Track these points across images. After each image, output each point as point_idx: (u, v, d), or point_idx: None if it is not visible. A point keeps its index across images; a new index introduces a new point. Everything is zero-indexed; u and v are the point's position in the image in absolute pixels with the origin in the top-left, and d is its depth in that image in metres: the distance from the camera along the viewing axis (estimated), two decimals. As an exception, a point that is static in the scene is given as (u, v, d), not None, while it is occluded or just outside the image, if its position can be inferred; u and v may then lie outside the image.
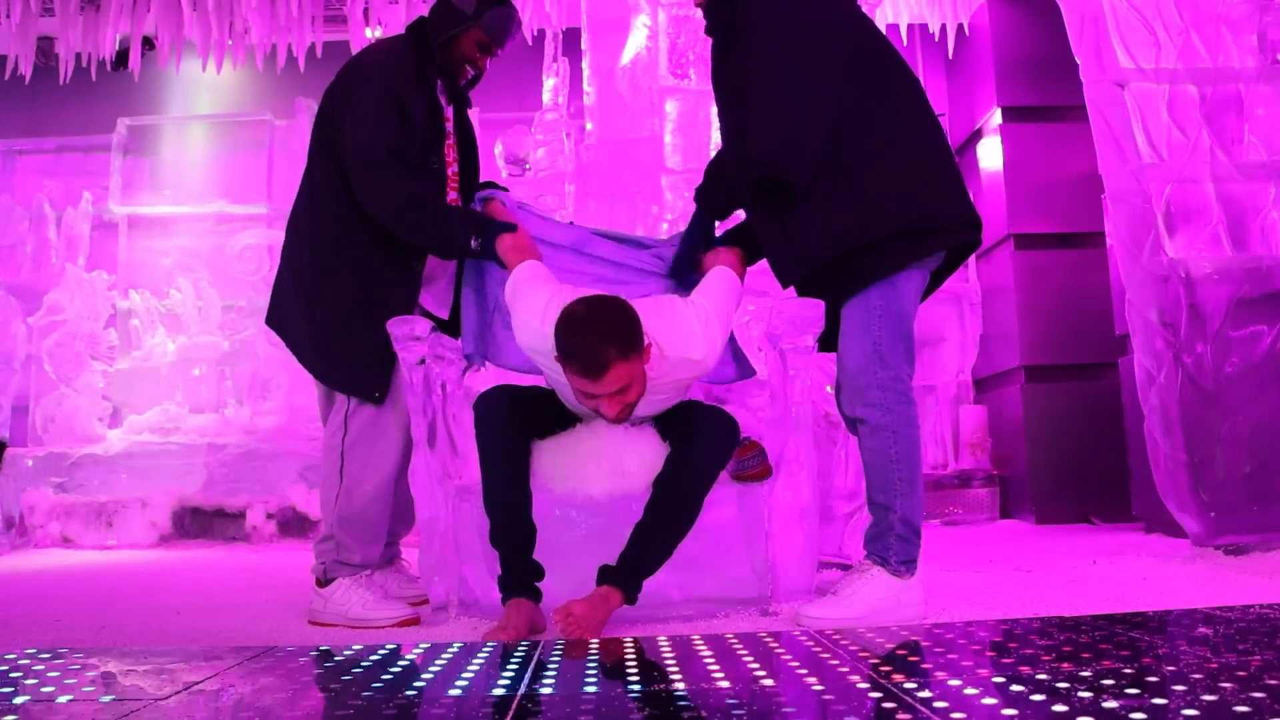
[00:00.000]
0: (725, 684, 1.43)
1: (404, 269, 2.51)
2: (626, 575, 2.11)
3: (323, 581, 2.44)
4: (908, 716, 1.20)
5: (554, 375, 2.25)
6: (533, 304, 2.25)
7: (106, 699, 1.44)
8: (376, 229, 2.46)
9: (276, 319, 2.63)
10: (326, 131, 2.53)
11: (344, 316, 2.48)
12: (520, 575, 2.16)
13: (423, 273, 2.55)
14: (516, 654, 1.74)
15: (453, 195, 2.64)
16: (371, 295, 2.47)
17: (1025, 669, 1.46)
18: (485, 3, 2.51)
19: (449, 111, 2.64)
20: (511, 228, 2.46)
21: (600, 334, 2.05)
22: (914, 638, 1.79)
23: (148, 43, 6.52)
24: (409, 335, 2.39)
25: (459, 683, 1.51)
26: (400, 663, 1.68)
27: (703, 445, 2.21)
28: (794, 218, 2.18)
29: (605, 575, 2.11)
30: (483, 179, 2.78)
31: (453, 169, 2.66)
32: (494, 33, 2.54)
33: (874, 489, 2.22)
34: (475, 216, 2.51)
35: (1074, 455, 5.03)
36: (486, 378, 2.96)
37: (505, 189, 2.70)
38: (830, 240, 2.16)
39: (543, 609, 2.17)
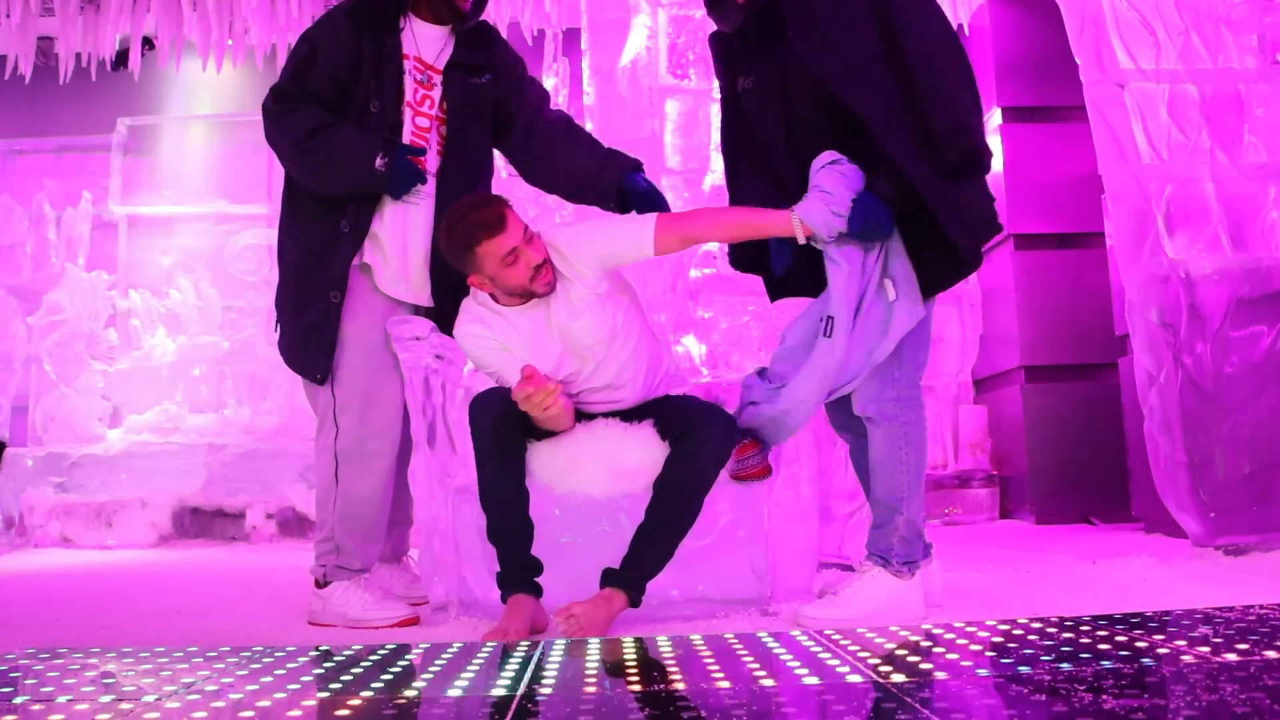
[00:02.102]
0: (725, 684, 1.43)
1: (334, 233, 2.39)
2: (629, 577, 2.11)
3: (321, 583, 2.44)
4: (907, 716, 1.20)
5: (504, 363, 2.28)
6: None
7: (106, 699, 1.44)
8: (313, 199, 2.41)
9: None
10: None
11: (291, 294, 2.45)
12: (519, 571, 2.16)
13: (362, 231, 2.39)
14: (516, 654, 1.74)
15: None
16: (311, 269, 2.42)
17: (1025, 669, 1.46)
18: None
19: (428, 57, 2.45)
20: (421, 151, 2.37)
21: (477, 201, 2.23)
22: (914, 638, 1.79)
23: (148, 43, 6.52)
24: (409, 335, 2.39)
25: (459, 683, 1.51)
26: (400, 663, 1.68)
27: (700, 443, 2.20)
28: (959, 196, 2.12)
29: (608, 578, 2.12)
30: (481, 178, 2.58)
31: (426, 134, 2.44)
32: None
33: (880, 489, 2.21)
34: (386, 138, 2.37)
35: (1074, 455, 5.03)
36: (486, 379, 2.95)
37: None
38: (974, 227, 2.14)
39: (543, 607, 2.17)
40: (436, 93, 2.47)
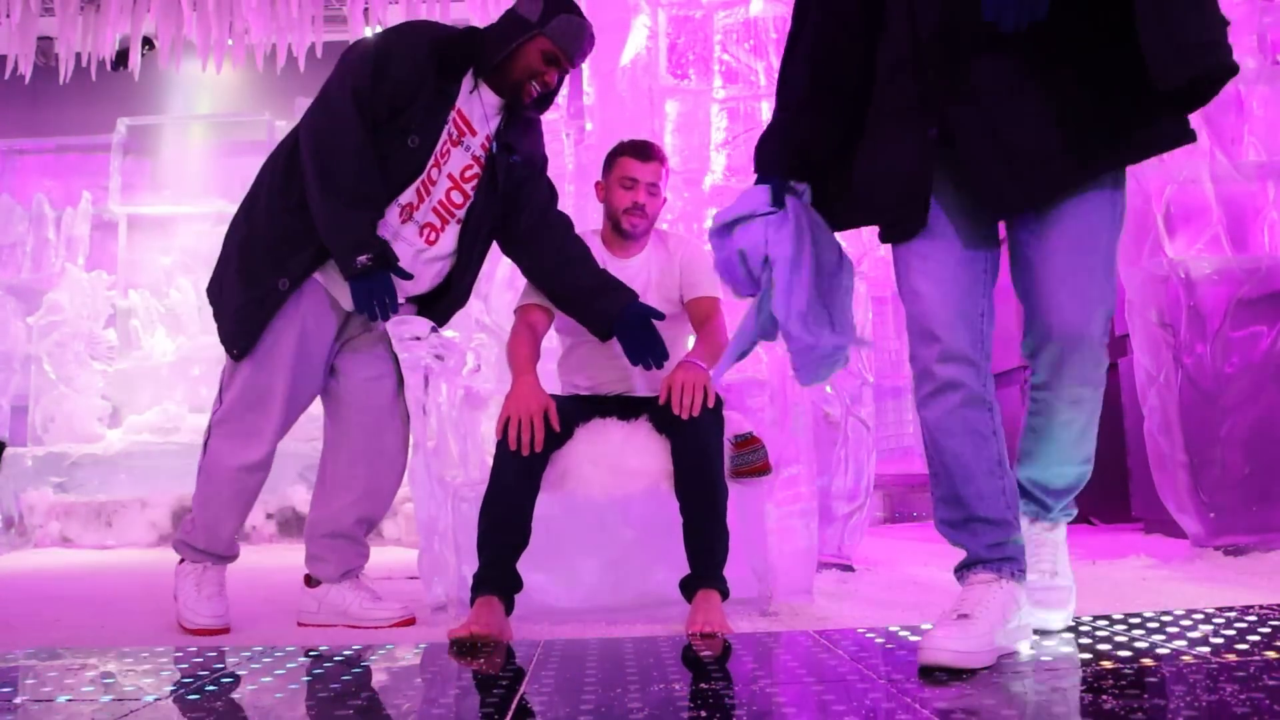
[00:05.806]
0: (725, 684, 1.43)
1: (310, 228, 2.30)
2: (706, 576, 2.12)
3: (312, 582, 2.42)
4: (907, 716, 1.20)
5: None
6: None
7: (106, 699, 1.44)
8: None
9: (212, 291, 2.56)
10: None
11: (253, 265, 2.43)
12: (504, 576, 2.11)
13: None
14: (516, 655, 1.74)
15: (433, 218, 2.35)
16: (275, 250, 2.39)
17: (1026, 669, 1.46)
18: (552, 9, 2.26)
19: (474, 119, 2.34)
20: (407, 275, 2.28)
21: (648, 141, 2.60)
22: (914, 638, 1.80)
23: (148, 43, 6.52)
24: (409, 335, 2.39)
25: (459, 683, 1.51)
26: (400, 663, 1.68)
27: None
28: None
29: (690, 585, 2.13)
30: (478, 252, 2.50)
31: (458, 208, 2.36)
32: (562, 42, 2.26)
33: (1081, 457, 1.83)
34: (381, 240, 2.25)
35: (1074, 455, 5.02)
36: (485, 381, 2.95)
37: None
38: (1191, 49, 1.50)
39: (508, 622, 2.08)
40: (475, 167, 2.37)
